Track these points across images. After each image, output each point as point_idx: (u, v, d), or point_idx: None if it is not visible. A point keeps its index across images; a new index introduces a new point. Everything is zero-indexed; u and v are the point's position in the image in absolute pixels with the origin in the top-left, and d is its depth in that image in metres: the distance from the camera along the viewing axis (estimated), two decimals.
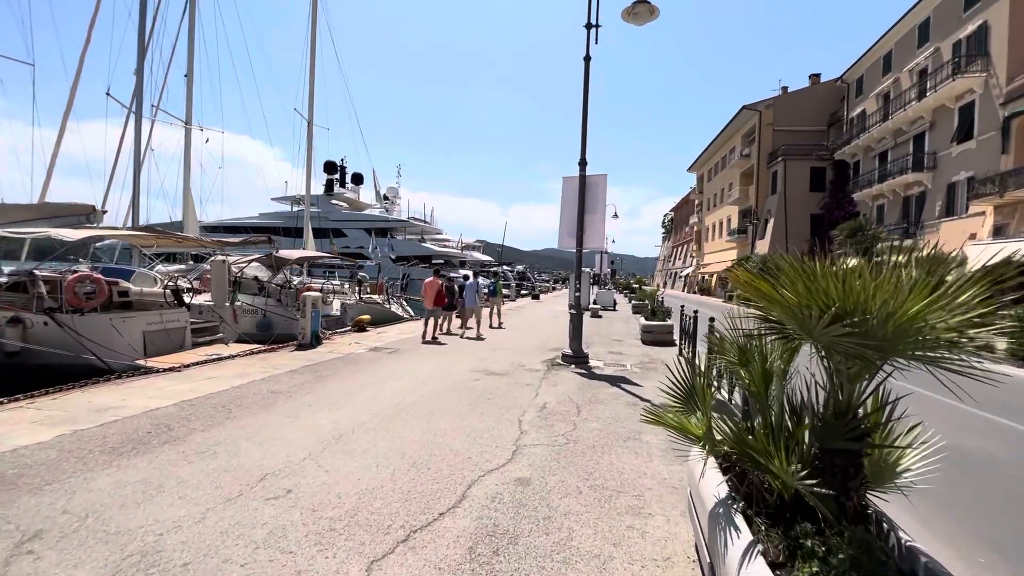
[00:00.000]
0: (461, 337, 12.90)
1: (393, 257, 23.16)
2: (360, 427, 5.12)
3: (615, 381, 7.81)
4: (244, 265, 14.27)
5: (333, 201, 48.24)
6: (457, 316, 14.01)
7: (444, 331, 13.33)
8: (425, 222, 50.19)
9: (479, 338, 12.77)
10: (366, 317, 13.76)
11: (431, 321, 12.19)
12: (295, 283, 18.33)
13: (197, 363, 8.49)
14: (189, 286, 12.63)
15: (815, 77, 41.44)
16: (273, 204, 48.64)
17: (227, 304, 11.91)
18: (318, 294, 10.80)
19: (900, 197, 28.73)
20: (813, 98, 39.93)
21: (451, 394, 6.64)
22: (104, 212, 10.57)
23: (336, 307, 16.67)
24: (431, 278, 12.70)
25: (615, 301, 26.34)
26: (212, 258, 12.21)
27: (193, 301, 12.38)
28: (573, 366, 8.94)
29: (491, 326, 15.03)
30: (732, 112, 44.17)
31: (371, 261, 27.28)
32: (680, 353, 10.51)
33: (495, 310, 15.73)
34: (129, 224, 16.40)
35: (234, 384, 6.91)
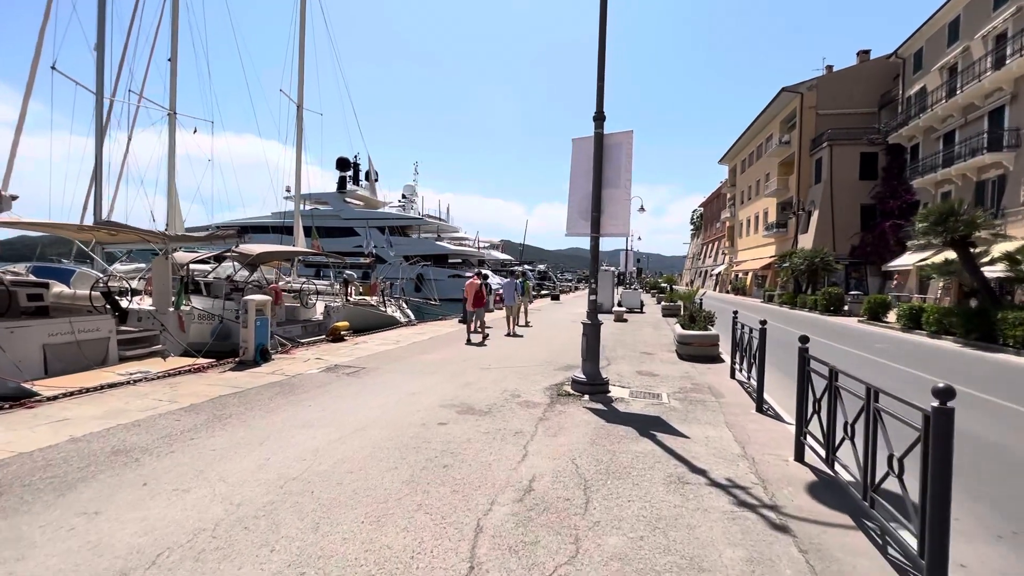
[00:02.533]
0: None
1: (393, 254, 21.12)
2: (189, 543, 2.80)
3: (647, 426, 5.31)
4: (205, 263, 12.26)
5: (348, 200, 46.72)
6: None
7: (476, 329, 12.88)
8: (441, 220, 48.20)
9: (514, 335, 13.05)
10: (343, 324, 11.55)
11: (474, 322, 12.32)
12: (280, 284, 16.35)
13: (93, 388, 6.38)
14: (129, 287, 10.64)
15: (864, 54, 37.63)
16: (286, 203, 47.38)
17: (171, 309, 9.85)
18: (264, 298, 8.61)
19: (972, 182, 25.08)
20: (862, 77, 36.17)
21: (389, 456, 4.27)
22: (13, 198, 8.62)
23: (319, 311, 14.57)
24: (471, 279, 13.00)
25: (642, 303, 23.62)
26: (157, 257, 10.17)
27: (137, 305, 10.39)
28: (587, 397, 6.46)
29: (517, 324, 15.00)
30: (768, 99, 40.71)
31: (386, 261, 25.18)
32: (733, 375, 7.90)
33: (522, 309, 16.24)
34: (90, 218, 14.65)
35: (87, 431, 4.71)
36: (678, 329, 10.18)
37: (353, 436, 4.78)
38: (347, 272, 15.27)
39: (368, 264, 19.55)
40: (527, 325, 15.61)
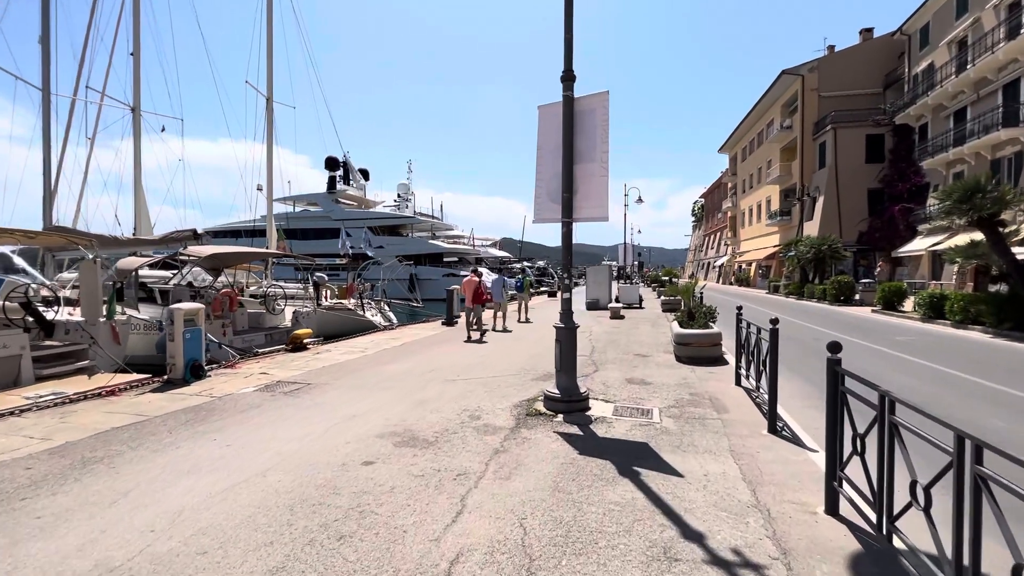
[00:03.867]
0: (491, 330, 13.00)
1: (372, 254, 20.04)
2: None
3: (629, 459, 4.16)
4: (169, 267, 11.16)
5: (341, 200, 45.64)
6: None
7: (492, 328, 13.31)
8: (434, 218, 47.05)
9: (505, 330, 13.40)
10: (305, 332, 10.43)
11: (472, 317, 12.25)
12: (251, 289, 15.25)
13: None
14: (57, 297, 9.53)
15: (867, 32, 36.28)
16: (275, 205, 46.29)
17: (102, 319, 8.75)
18: (194, 306, 7.48)
19: (986, 161, 23.77)
20: (865, 56, 34.82)
21: (274, 520, 3.14)
22: None
23: (287, 317, 13.46)
24: (468, 276, 12.79)
25: (641, 297, 22.42)
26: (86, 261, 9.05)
27: (67, 316, 9.30)
28: (560, 418, 5.31)
29: (519, 321, 15.68)
30: (768, 83, 39.32)
31: (370, 261, 23.97)
32: (739, 381, 6.74)
33: (522, 306, 16.55)
34: (40, 223, 13.56)
35: None
36: (675, 328, 9.02)
37: (244, 486, 3.66)
38: (318, 274, 14.19)
39: (344, 265, 18.47)
40: (527, 322, 15.89)
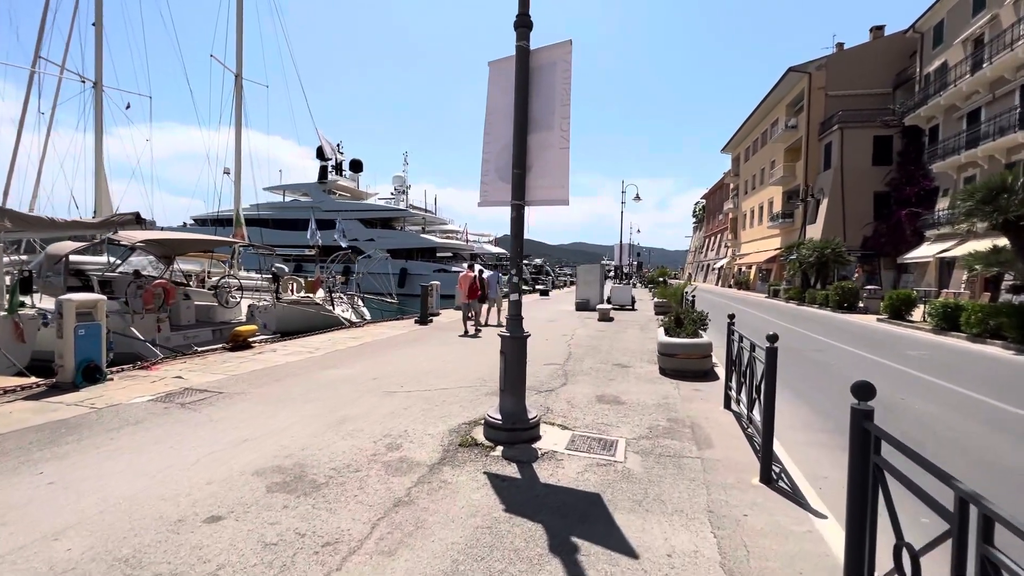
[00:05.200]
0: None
1: (345, 244, 18.97)
2: None
3: (572, 521, 3.07)
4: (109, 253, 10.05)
5: (336, 191, 44.54)
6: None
7: (483, 323, 13.27)
8: (428, 212, 45.89)
9: (500, 324, 13.20)
10: (248, 329, 9.32)
11: (470, 313, 12.22)
12: (212, 280, 14.14)
13: None
14: None
15: (877, 30, 35.06)
16: (265, 195, 45.13)
17: (4, 313, 7.65)
18: (90, 297, 6.37)
19: (1000, 164, 22.61)
20: (875, 55, 33.60)
21: None
22: None
23: (243, 311, 12.36)
24: (464, 272, 12.70)
25: (633, 299, 21.31)
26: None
27: None
28: (499, 451, 4.22)
29: (500, 315, 14.99)
30: (774, 81, 38.11)
31: (345, 251, 22.79)
32: (728, 404, 5.64)
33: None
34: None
35: None
36: (661, 336, 7.90)
37: (14, 557, 2.57)
38: (277, 265, 13.08)
39: (313, 256, 17.41)
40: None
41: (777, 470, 3.88)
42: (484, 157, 4.76)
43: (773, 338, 3.59)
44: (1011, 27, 22.16)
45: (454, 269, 38.38)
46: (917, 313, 15.88)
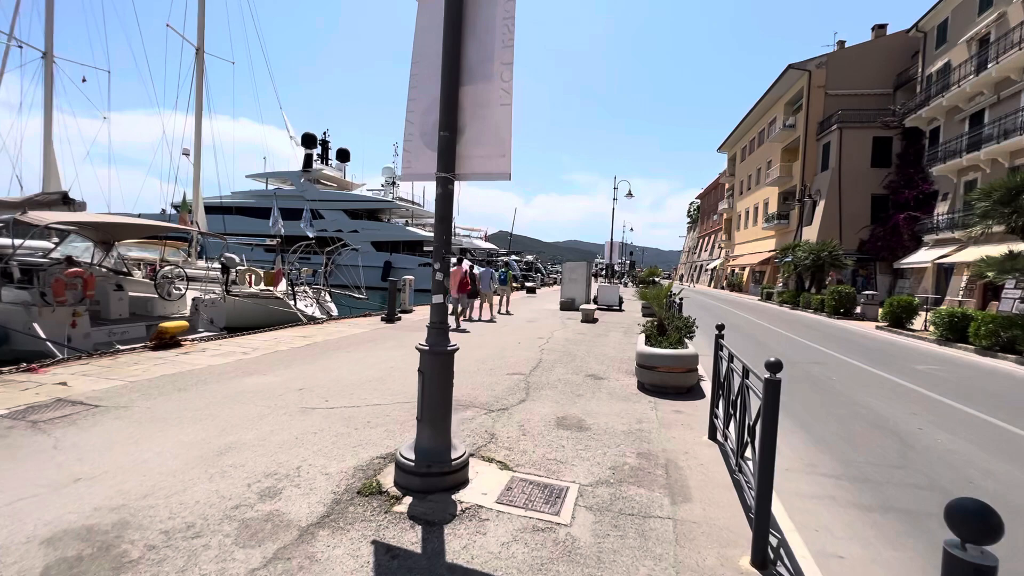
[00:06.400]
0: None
1: (312, 235, 17.87)
2: None
3: None
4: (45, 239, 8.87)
5: (322, 181, 43.19)
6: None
7: (468, 318, 13.55)
8: (415, 204, 44.65)
9: (492, 320, 13.97)
10: (175, 326, 8.18)
11: (458, 308, 12.32)
12: (164, 270, 12.95)
13: None
14: None
15: (879, 28, 34.23)
16: (247, 182, 43.74)
17: None
18: None
19: (1003, 168, 21.81)
20: (877, 54, 32.77)
21: None
22: None
23: (186, 304, 11.21)
24: (455, 267, 12.67)
25: (621, 299, 20.32)
26: None
27: None
28: (407, 504, 3.16)
29: (500, 312, 15.61)
30: (772, 80, 37.19)
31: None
32: (714, 434, 4.63)
33: (504, 298, 16.38)
34: None
35: None
36: (640, 344, 6.87)
37: None
38: (226, 255, 11.91)
39: (274, 247, 16.32)
40: (507, 314, 15.68)
41: (775, 542, 2.86)
42: (408, 118, 3.69)
43: (775, 366, 2.56)
44: (1019, 26, 21.30)
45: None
46: (919, 321, 15.00)
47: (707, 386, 6.82)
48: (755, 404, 3.02)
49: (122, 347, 8.34)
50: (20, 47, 14.44)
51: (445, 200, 3.40)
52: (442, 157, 3.37)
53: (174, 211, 42.37)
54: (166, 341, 8.07)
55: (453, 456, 3.42)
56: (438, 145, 3.39)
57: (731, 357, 3.93)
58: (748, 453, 3.32)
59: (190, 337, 8.59)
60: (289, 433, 4.39)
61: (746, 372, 3.31)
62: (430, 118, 3.54)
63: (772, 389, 2.56)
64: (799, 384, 7.78)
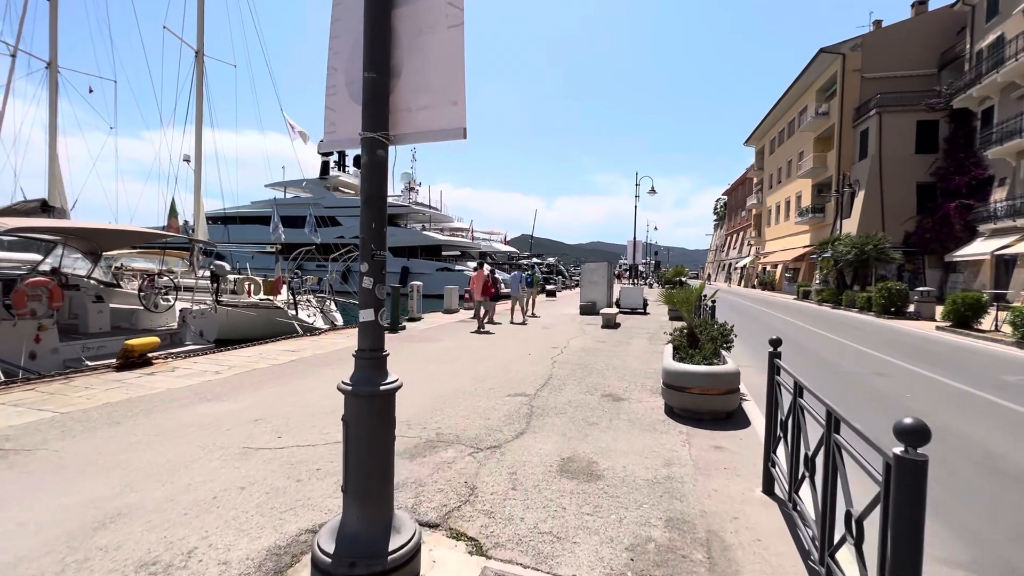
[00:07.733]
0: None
1: (318, 241, 17.13)
2: None
3: None
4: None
5: (340, 188, 43.06)
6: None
7: (491, 320, 13.65)
8: (432, 208, 44.01)
9: (523, 323, 14.04)
10: (144, 343, 7.36)
11: (481, 311, 12.64)
12: (163, 280, 12.33)
13: None
14: None
15: (920, 5, 31.98)
16: (266, 191, 43.85)
17: None
18: None
19: None
20: (918, 32, 30.57)
21: None
22: None
23: (174, 317, 10.50)
24: (477, 271, 13.26)
25: (645, 301, 18.97)
26: None
27: None
28: None
29: (526, 315, 15.49)
30: (803, 66, 35.18)
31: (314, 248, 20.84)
32: (772, 487, 3.42)
33: (530, 300, 16.61)
34: None
35: None
36: (667, 360, 5.67)
37: None
38: (215, 263, 11.19)
39: (274, 254, 15.64)
40: (535, 316, 16.05)
41: None
42: (330, 63, 2.65)
43: (917, 433, 1.40)
44: None
45: (458, 268, 36.48)
46: (987, 320, 13.26)
47: (751, 408, 5.59)
48: (849, 469, 1.87)
49: (92, 364, 7.60)
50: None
51: (374, 171, 2.34)
52: (368, 109, 2.32)
53: (187, 222, 42.98)
54: (134, 360, 7.27)
55: (393, 545, 2.33)
56: (363, 93, 2.34)
57: (799, 389, 2.74)
58: (807, 506, 2.15)
59: (163, 353, 7.79)
60: (209, 489, 3.39)
61: (834, 422, 2.13)
62: (358, 63, 2.50)
63: (913, 474, 1.40)
64: (863, 402, 6.45)
